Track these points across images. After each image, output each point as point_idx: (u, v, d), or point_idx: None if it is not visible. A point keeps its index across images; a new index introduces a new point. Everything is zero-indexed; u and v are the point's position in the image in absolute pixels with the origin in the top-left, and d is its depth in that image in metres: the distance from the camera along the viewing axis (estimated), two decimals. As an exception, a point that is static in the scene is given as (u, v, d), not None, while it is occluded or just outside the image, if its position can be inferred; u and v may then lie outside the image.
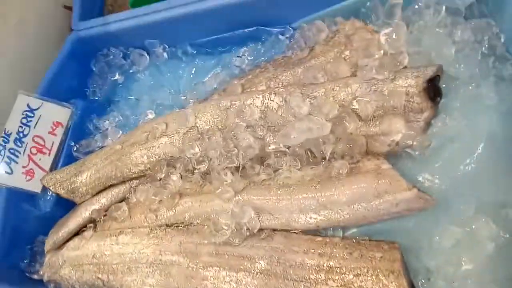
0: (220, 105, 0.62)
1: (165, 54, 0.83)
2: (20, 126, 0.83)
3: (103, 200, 0.74)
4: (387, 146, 0.47)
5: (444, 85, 0.48)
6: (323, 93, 0.54)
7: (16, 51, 0.93)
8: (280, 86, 0.61)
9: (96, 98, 0.90)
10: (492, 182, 0.47)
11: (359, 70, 0.52)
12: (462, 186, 0.46)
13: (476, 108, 0.48)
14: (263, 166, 0.57)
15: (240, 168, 0.57)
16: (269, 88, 0.61)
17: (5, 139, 0.82)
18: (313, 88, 0.56)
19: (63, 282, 0.71)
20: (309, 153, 0.55)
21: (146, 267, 0.63)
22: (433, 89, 0.47)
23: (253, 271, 0.53)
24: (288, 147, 0.56)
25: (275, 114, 0.57)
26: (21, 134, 0.83)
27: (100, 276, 0.66)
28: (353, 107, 0.51)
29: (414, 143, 0.46)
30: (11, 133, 0.82)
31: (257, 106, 0.59)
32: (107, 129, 0.82)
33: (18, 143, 0.82)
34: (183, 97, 0.75)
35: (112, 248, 0.67)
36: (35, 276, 0.76)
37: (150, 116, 0.78)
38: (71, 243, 0.73)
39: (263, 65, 0.66)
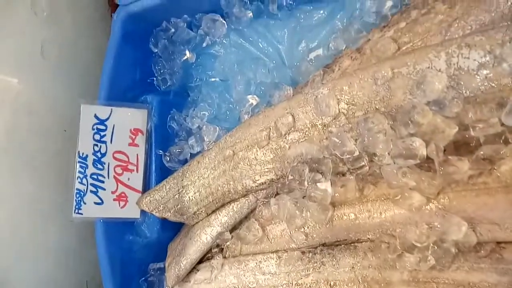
0: (377, 77, 0.47)
1: (248, 13, 0.67)
2: (95, 145, 0.74)
3: (224, 219, 0.65)
4: None
5: None
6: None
7: (57, 53, 0.82)
8: (473, 31, 0.45)
9: (169, 88, 0.78)
10: None
11: None
12: None
13: None
14: (464, 156, 0.43)
15: (436, 164, 0.44)
16: (452, 39, 0.45)
17: (83, 164, 0.74)
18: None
19: (203, 320, 0.66)
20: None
21: (313, 301, 0.54)
22: None
23: (486, 305, 0.42)
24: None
25: (475, 77, 0.42)
26: (98, 154, 0.75)
27: (251, 313, 0.60)
28: None
29: None
30: (87, 156, 0.74)
31: (439, 70, 0.44)
32: (198, 126, 0.71)
33: (99, 165, 0.75)
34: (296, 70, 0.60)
35: (257, 279, 0.60)
36: (164, 313, 0.72)
37: (253, 101, 0.65)
38: (199, 275, 0.67)
39: (424, 2, 0.49)
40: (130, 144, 0.75)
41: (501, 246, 0.43)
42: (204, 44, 0.74)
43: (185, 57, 0.77)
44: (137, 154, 0.75)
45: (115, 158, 0.75)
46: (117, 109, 0.75)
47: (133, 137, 0.75)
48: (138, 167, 0.75)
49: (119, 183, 0.75)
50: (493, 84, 0.41)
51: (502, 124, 0.41)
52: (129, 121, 0.75)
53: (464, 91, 0.43)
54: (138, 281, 0.77)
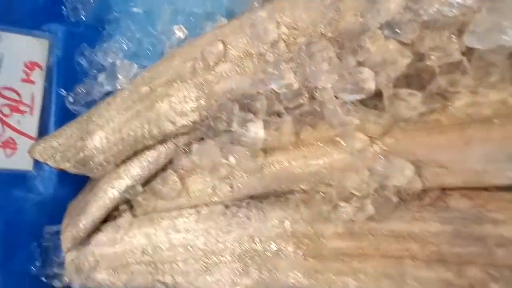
0: (324, -4, 0.40)
1: None
2: (-24, 77, 0.59)
3: (136, 170, 0.54)
4: None
5: None
6: None
7: None
8: None
9: (81, 19, 0.64)
10: None
11: None
12: None
13: None
14: (418, 91, 0.38)
15: (385, 99, 0.37)
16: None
17: (-41, 99, 0.58)
18: None
19: (103, 288, 0.55)
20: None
21: (234, 261, 0.46)
22: None
23: (428, 258, 0.37)
24: (466, 53, 0.35)
25: (434, -3, 0.36)
26: (-20, 89, 0.59)
27: (161, 278, 0.50)
28: None
29: None
30: (-35, 89, 0.58)
31: (394, -11, 0.37)
32: (112, 63, 0.59)
33: (-20, 103, 0.59)
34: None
35: (170, 238, 0.50)
36: (57, 283, 0.60)
37: (180, 34, 0.55)
38: (101, 236, 0.55)
39: None
40: (23, 80, 0.61)
41: (447, 193, 0.38)
42: (126, -32, 0.62)
43: (102, -17, 0.63)
44: (32, 93, 0.61)
45: (2, 96, 0.60)
46: (9, 36, 0.60)
47: (28, 71, 0.61)
48: (33, 109, 0.61)
49: (6, 126, 0.60)
50: (456, 6, 0.35)
51: (464, 54, 0.36)
52: (24, 52, 0.61)
53: (423, 14, 0.36)
54: (29, 246, 0.63)
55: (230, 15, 0.54)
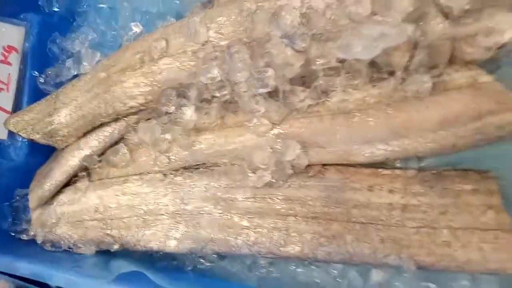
0: (243, 9, 0.50)
1: None
2: (-41, 56, 0.68)
3: (94, 142, 0.64)
4: (485, 51, 0.39)
5: None
6: (388, -17, 0.44)
7: None
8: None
9: (55, 10, 0.73)
10: None
11: None
12: None
13: None
14: (309, 88, 0.49)
15: (281, 93, 0.48)
16: (309, -19, 0.49)
17: None
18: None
19: (62, 241, 0.65)
20: (369, 66, 0.46)
21: (167, 218, 0.57)
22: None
23: (306, 216, 0.49)
24: (342, 61, 0.47)
25: (322, 17, 0.47)
26: (-38, 67, 0.68)
27: (109, 232, 0.61)
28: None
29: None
30: (-52, 67, 0.68)
31: (294, 8, 0.48)
32: (79, 51, 0.68)
33: (-38, 79, 0.68)
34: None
35: (118, 199, 0.61)
36: (24, 236, 0.70)
37: (136, 29, 0.65)
38: (62, 197, 0.66)
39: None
40: (1, 61, 0.70)
41: (325, 168, 0.50)
42: (94, -33, 0.71)
43: (74, -20, 0.73)
44: (9, 73, 0.71)
45: (-18, 74, 0.69)
46: (-10, 22, 0.69)
47: (6, 54, 0.70)
48: (8, 87, 0.71)
49: (-15, 101, 0.69)
50: (334, 25, 0.46)
51: (340, 61, 0.47)
52: (3, 37, 0.70)
53: (312, 29, 0.47)
54: (1, 206, 0.73)
55: (179, 17, 0.65)
